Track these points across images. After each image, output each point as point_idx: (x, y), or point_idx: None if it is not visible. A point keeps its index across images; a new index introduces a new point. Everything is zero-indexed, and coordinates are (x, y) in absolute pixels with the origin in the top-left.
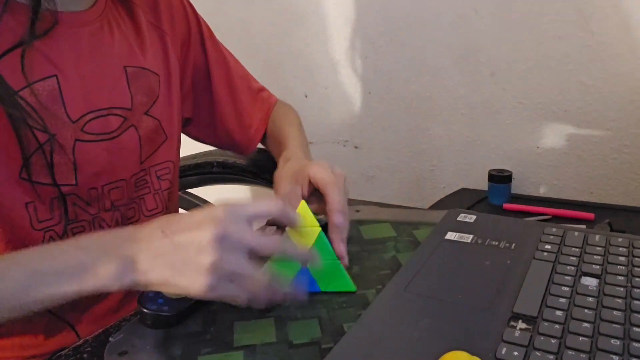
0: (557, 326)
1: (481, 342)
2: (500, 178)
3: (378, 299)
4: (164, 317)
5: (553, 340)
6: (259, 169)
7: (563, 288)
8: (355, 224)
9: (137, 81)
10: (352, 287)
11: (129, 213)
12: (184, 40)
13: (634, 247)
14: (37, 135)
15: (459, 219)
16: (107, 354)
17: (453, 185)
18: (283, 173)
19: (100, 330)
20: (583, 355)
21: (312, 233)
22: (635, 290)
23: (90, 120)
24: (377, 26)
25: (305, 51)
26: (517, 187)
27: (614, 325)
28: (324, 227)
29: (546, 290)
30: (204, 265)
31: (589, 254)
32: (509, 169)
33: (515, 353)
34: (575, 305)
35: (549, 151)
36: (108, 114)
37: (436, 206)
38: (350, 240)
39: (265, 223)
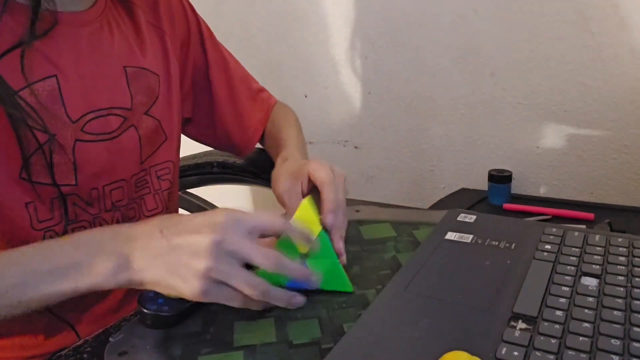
0: (557, 326)
1: (481, 342)
2: (500, 178)
3: (378, 299)
4: (164, 317)
5: (553, 340)
6: (259, 169)
7: (563, 288)
8: (355, 224)
9: (137, 81)
10: (349, 287)
11: (130, 213)
12: (183, 40)
13: (634, 247)
14: (37, 135)
15: (459, 219)
16: (107, 354)
17: (453, 185)
18: (282, 171)
19: (100, 330)
20: (583, 355)
21: (314, 231)
22: (635, 290)
23: (90, 120)
24: (377, 26)
25: (305, 51)
26: (517, 187)
27: (614, 325)
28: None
29: (546, 290)
30: (198, 269)
31: (589, 254)
32: (509, 169)
33: (516, 353)
34: (575, 305)
35: (549, 151)
36: (108, 114)
37: (436, 206)
38: (350, 240)
39: (264, 236)
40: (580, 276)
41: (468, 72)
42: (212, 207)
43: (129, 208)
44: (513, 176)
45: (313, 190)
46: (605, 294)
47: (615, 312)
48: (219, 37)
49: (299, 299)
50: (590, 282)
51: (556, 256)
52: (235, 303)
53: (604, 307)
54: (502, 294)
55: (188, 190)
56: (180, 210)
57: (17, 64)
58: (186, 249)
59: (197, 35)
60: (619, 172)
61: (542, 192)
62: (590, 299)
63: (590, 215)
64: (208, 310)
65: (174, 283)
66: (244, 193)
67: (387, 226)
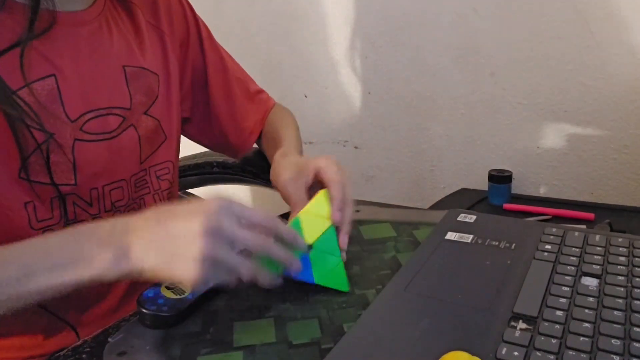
0: (557, 326)
1: (481, 342)
2: (500, 178)
3: (378, 299)
4: (163, 318)
5: (553, 341)
6: (259, 169)
7: (563, 288)
8: (356, 224)
9: (136, 81)
10: (346, 287)
11: (129, 213)
12: (182, 41)
13: (634, 247)
14: (35, 134)
15: (459, 219)
16: (106, 354)
17: (453, 185)
18: (286, 163)
19: (100, 330)
20: (583, 356)
21: (323, 224)
22: (635, 290)
23: (89, 119)
24: (377, 26)
25: (305, 51)
26: (517, 187)
27: (615, 325)
28: None
29: (546, 290)
30: (195, 255)
31: (589, 254)
32: (509, 169)
33: (516, 353)
34: (575, 305)
35: (549, 151)
36: (107, 114)
37: (436, 206)
38: (350, 240)
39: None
40: (580, 276)
41: (468, 72)
42: None
43: (129, 208)
44: (513, 176)
45: (315, 186)
46: (605, 294)
47: (615, 312)
48: (218, 37)
49: (278, 282)
50: (591, 282)
51: (556, 256)
52: (231, 284)
53: (604, 307)
54: (502, 294)
55: (188, 190)
56: None
57: (16, 64)
58: (183, 235)
59: (196, 35)
60: (619, 172)
61: (542, 192)
62: (591, 299)
63: (591, 216)
64: (208, 310)
65: (172, 269)
66: (244, 193)
67: (387, 226)
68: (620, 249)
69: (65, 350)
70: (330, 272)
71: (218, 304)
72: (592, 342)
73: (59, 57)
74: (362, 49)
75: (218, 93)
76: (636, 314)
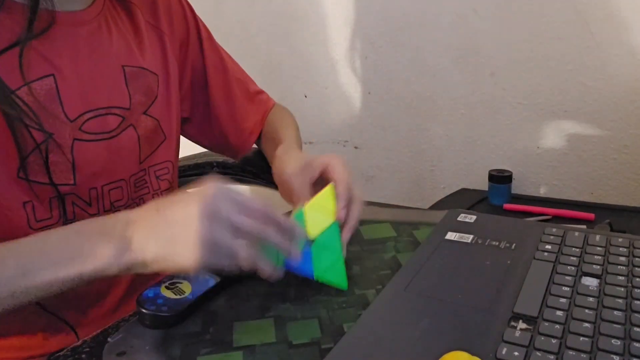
0: (557, 326)
1: (481, 342)
2: (500, 178)
3: (378, 299)
4: (163, 318)
5: (553, 341)
6: (259, 169)
7: (563, 288)
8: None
9: (135, 81)
10: (345, 285)
11: None
12: (182, 41)
13: (634, 247)
14: (34, 134)
15: (459, 219)
16: (105, 355)
17: (453, 186)
18: (291, 157)
19: (99, 330)
20: (584, 356)
21: (326, 220)
22: (635, 290)
23: (88, 119)
24: (377, 26)
25: (305, 51)
26: (517, 187)
27: (615, 325)
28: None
29: (546, 290)
30: (193, 239)
31: (590, 254)
32: (509, 169)
33: (516, 353)
34: (575, 306)
35: (549, 151)
36: (106, 114)
37: (436, 206)
38: (350, 240)
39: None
40: (580, 276)
41: (468, 72)
42: None
43: (128, 208)
44: (513, 176)
45: (318, 184)
46: (605, 294)
47: (615, 312)
48: (218, 37)
49: (279, 274)
50: (591, 282)
51: (556, 256)
52: (232, 268)
53: (604, 307)
54: (503, 294)
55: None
56: None
57: (15, 63)
58: (181, 221)
59: (196, 36)
60: (619, 172)
61: (543, 192)
62: (591, 299)
63: (591, 216)
64: (208, 310)
65: (173, 256)
66: (244, 193)
67: (387, 226)
68: (621, 249)
69: (65, 351)
70: (330, 269)
71: (218, 304)
72: (592, 342)
73: (58, 57)
74: (362, 49)
75: (218, 93)
76: (636, 314)
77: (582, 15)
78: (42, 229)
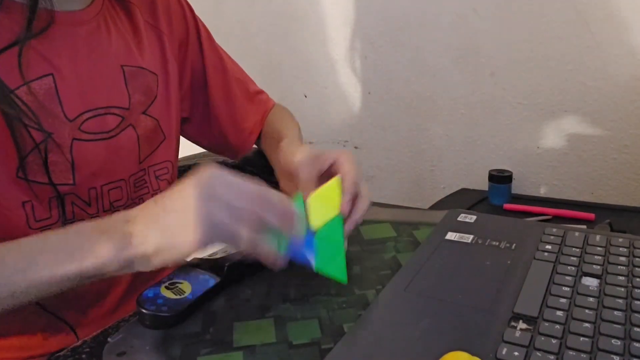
0: (557, 326)
1: (481, 343)
2: (500, 178)
3: (378, 299)
4: (163, 318)
5: (554, 341)
6: (259, 169)
7: (564, 288)
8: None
9: (134, 80)
10: (345, 279)
11: None
12: (182, 41)
13: (634, 247)
14: (33, 134)
15: (459, 219)
16: (105, 355)
17: (453, 185)
18: (301, 148)
19: (99, 331)
20: (584, 356)
21: (330, 212)
22: (635, 290)
23: (87, 119)
24: (376, 26)
25: (305, 51)
26: (517, 187)
27: (615, 325)
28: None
29: (547, 290)
30: (192, 221)
31: (590, 254)
32: (509, 169)
33: (516, 353)
34: (575, 306)
35: (549, 151)
36: (105, 113)
37: (436, 206)
38: (350, 241)
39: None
40: (580, 276)
41: (468, 72)
42: None
43: (128, 208)
44: (513, 176)
45: (323, 178)
46: (605, 294)
47: (615, 313)
48: (219, 37)
49: (282, 261)
50: (591, 283)
51: (557, 256)
52: (238, 243)
53: (604, 307)
54: (503, 294)
55: None
56: None
57: (14, 63)
58: (179, 207)
59: (195, 36)
60: (619, 172)
61: (543, 192)
62: (591, 299)
63: (591, 216)
64: (208, 310)
65: (174, 242)
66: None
67: (387, 226)
68: (621, 249)
69: (65, 351)
70: (331, 262)
71: (218, 304)
72: (593, 342)
73: (57, 56)
74: (362, 49)
75: (217, 94)
76: (636, 314)
77: (582, 15)
78: (41, 229)
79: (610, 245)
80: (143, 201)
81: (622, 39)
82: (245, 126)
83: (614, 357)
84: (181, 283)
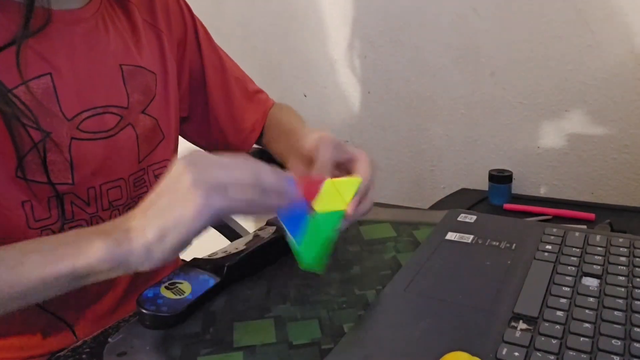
0: (557, 327)
1: (482, 343)
2: (500, 178)
3: (378, 299)
4: (163, 318)
5: (554, 341)
6: None
7: (564, 288)
8: (355, 224)
9: (133, 79)
10: (321, 269)
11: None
12: (180, 40)
13: (634, 248)
14: (32, 133)
15: (459, 219)
16: (106, 355)
17: (453, 185)
18: (321, 133)
19: (99, 331)
20: (584, 356)
21: (338, 205)
22: (636, 290)
23: (86, 118)
24: (376, 25)
25: (305, 51)
26: (517, 187)
27: (615, 325)
28: None
29: (547, 290)
30: (186, 187)
31: (590, 254)
32: (509, 169)
33: (516, 353)
34: (576, 306)
35: (549, 151)
36: (104, 112)
37: (436, 206)
38: (350, 240)
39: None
40: (581, 276)
41: (468, 72)
42: None
43: (127, 207)
44: (513, 176)
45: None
46: (606, 294)
47: (616, 313)
48: (219, 37)
49: (292, 193)
50: (591, 283)
51: (557, 256)
52: (240, 205)
53: (604, 307)
54: (503, 294)
55: None
56: None
57: (12, 62)
58: (170, 186)
59: (194, 35)
60: (619, 172)
61: (543, 192)
62: (591, 299)
63: (591, 216)
64: (208, 310)
65: (176, 218)
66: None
67: (387, 226)
68: (621, 249)
69: (65, 351)
70: (315, 247)
71: (218, 304)
72: (593, 342)
73: (54, 55)
74: (361, 48)
75: (217, 93)
76: (637, 315)
77: (582, 15)
78: (41, 228)
79: (611, 245)
80: (142, 200)
81: (622, 39)
82: (245, 125)
83: (614, 357)
84: (181, 283)
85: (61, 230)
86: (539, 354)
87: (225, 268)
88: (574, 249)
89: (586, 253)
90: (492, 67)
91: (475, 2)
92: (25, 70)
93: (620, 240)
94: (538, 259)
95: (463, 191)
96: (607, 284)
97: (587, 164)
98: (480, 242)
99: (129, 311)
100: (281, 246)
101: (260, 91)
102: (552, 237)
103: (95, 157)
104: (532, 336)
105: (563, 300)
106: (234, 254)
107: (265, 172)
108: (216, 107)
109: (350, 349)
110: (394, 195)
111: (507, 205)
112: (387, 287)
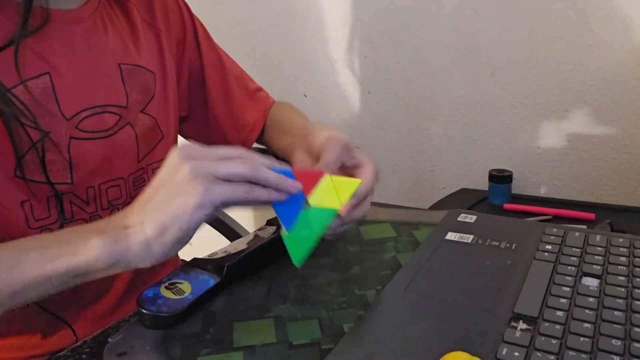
0: (557, 327)
1: (482, 343)
2: (500, 178)
3: (378, 299)
4: (163, 318)
5: (554, 341)
6: None
7: (564, 288)
8: (355, 224)
9: (132, 79)
10: (300, 263)
11: None
12: (179, 40)
13: (634, 248)
14: (30, 133)
15: (459, 219)
16: (106, 355)
17: (453, 185)
18: (332, 130)
19: (99, 331)
20: (584, 356)
21: (333, 203)
22: (636, 290)
23: (84, 117)
24: (376, 25)
25: (305, 51)
26: (517, 187)
27: (615, 325)
28: None
29: (547, 290)
30: (185, 178)
31: (590, 254)
32: (509, 169)
33: (516, 354)
34: (576, 306)
35: (549, 151)
36: (103, 112)
37: (436, 206)
38: (350, 240)
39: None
40: (581, 276)
41: (468, 72)
42: None
43: (127, 207)
44: (513, 176)
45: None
46: (606, 295)
47: (616, 313)
48: (218, 37)
49: (294, 185)
50: (591, 283)
51: (557, 256)
52: (239, 195)
53: (604, 307)
54: (503, 294)
55: None
56: None
57: (10, 61)
58: (168, 177)
59: (193, 35)
60: (619, 172)
61: (543, 192)
62: (591, 299)
63: (591, 216)
64: (208, 310)
65: (174, 211)
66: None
67: (387, 226)
68: (621, 249)
69: (65, 351)
70: (300, 240)
71: (218, 304)
72: (593, 342)
73: (53, 55)
74: (361, 48)
75: (216, 92)
76: (637, 315)
77: (582, 15)
78: (40, 228)
79: (611, 245)
80: None
81: (622, 39)
82: (245, 124)
83: (614, 357)
84: (181, 283)
85: None
86: (539, 354)
87: (225, 268)
88: (574, 249)
89: (586, 253)
90: (492, 67)
91: (475, 2)
92: (24, 69)
93: (620, 240)
94: (538, 259)
95: (463, 191)
96: (607, 284)
97: (587, 164)
98: (480, 242)
99: (129, 311)
100: (281, 246)
101: (260, 89)
102: (552, 237)
103: (94, 156)
104: (532, 336)
105: (563, 300)
106: (234, 254)
107: (263, 162)
108: (216, 106)
109: (350, 349)
110: (394, 195)
111: (507, 205)
112: (387, 287)
